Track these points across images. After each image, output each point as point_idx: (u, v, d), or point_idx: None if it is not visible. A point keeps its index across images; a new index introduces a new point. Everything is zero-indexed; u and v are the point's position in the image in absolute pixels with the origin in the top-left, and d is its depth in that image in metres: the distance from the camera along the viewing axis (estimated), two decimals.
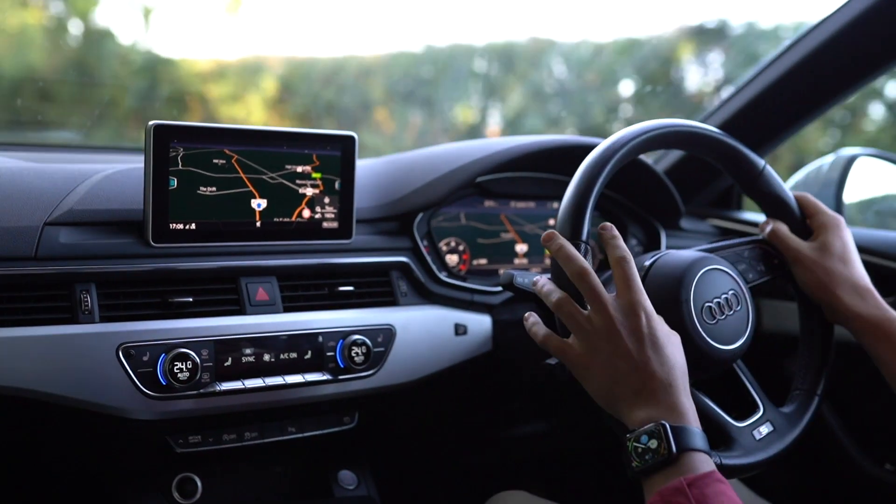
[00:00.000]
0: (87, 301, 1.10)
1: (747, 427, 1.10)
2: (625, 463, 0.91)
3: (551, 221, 1.60)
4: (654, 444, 0.88)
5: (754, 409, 1.14)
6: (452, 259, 1.51)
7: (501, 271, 1.21)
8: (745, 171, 1.24)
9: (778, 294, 1.69)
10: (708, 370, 1.11)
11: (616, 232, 1.01)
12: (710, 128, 1.20)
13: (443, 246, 1.50)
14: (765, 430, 1.12)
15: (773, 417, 1.14)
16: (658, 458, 0.87)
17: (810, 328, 1.24)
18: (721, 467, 1.02)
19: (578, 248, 1.02)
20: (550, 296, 1.00)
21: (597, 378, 0.95)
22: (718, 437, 1.07)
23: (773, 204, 1.26)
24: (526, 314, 1.04)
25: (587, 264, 0.97)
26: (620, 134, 1.12)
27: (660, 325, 0.96)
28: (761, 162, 1.24)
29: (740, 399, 1.17)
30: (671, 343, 0.96)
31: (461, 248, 1.51)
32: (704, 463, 0.87)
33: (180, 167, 1.15)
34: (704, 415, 1.08)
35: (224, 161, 1.18)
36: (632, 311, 0.95)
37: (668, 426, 0.88)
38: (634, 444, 0.89)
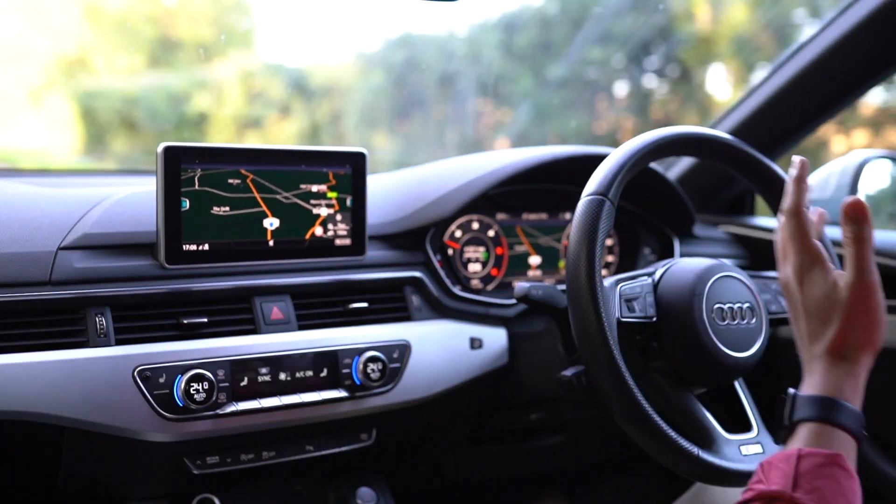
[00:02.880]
0: (102, 324, 1.11)
1: (736, 441, 1.09)
2: None
3: (566, 233, 1.60)
4: (786, 412, 0.86)
5: (748, 429, 1.14)
6: (475, 267, 1.51)
7: (515, 284, 1.20)
8: None
9: None
10: (709, 376, 1.11)
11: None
12: (759, 154, 1.20)
13: (469, 254, 1.50)
14: (753, 449, 1.10)
15: (765, 442, 1.12)
16: (782, 425, 0.86)
17: None
18: (697, 460, 1.01)
19: (603, 206, 1.04)
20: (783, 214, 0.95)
21: (797, 318, 0.92)
22: (703, 437, 1.07)
23: None
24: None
25: (798, 207, 0.92)
26: (673, 129, 1.15)
27: (825, 285, 0.89)
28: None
29: (737, 420, 1.16)
30: (832, 308, 0.88)
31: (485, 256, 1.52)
32: (832, 439, 0.82)
33: (196, 188, 1.15)
34: (694, 418, 1.08)
35: (239, 181, 1.19)
36: (800, 268, 0.90)
37: (794, 394, 0.86)
38: (779, 411, 0.88)
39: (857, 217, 0.87)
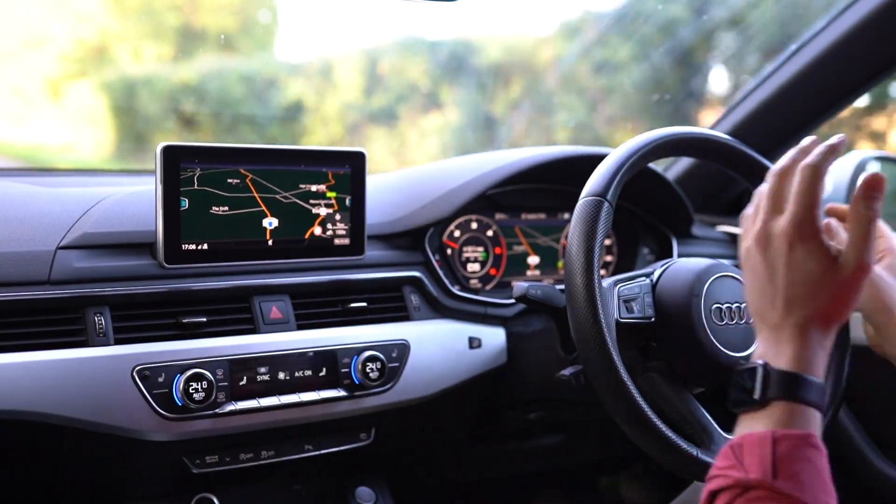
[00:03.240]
0: (101, 324, 1.11)
1: None
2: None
3: (565, 233, 1.60)
4: (749, 383, 0.81)
5: None
6: (474, 267, 1.51)
7: (514, 283, 1.20)
8: None
9: None
10: (708, 376, 1.11)
11: (813, 149, 0.87)
12: (756, 154, 1.21)
13: (468, 254, 1.50)
14: None
15: None
16: (747, 398, 0.80)
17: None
18: (696, 460, 1.01)
19: (601, 206, 1.04)
20: (763, 185, 0.88)
21: (747, 282, 0.88)
22: (702, 437, 1.07)
23: None
24: None
25: (789, 167, 0.86)
26: (670, 130, 1.15)
27: (808, 256, 0.82)
28: None
29: (735, 419, 1.16)
30: (814, 280, 0.82)
31: (484, 256, 1.52)
32: (804, 419, 0.78)
33: (195, 187, 1.15)
34: (692, 418, 1.08)
35: (238, 181, 1.19)
36: (779, 234, 0.84)
37: (768, 367, 0.80)
38: (738, 378, 0.82)
39: (874, 194, 0.82)
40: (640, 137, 1.13)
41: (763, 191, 0.88)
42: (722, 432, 1.09)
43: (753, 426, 0.79)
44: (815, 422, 0.79)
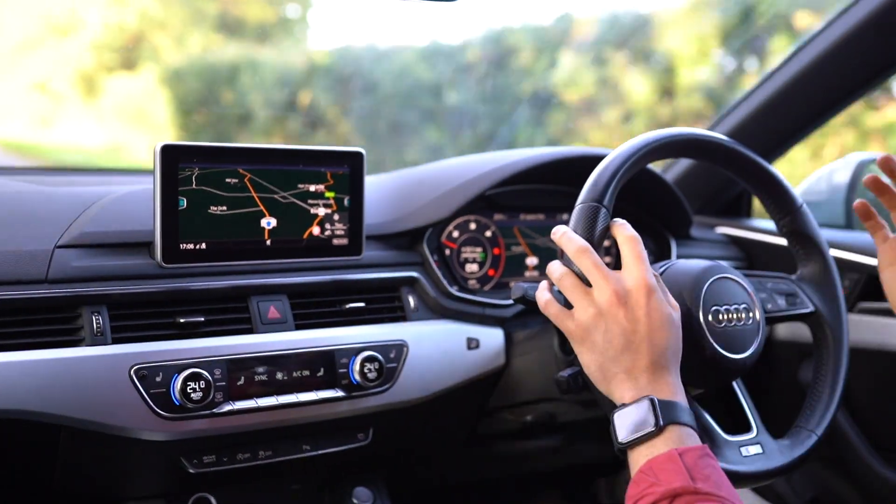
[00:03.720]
0: (98, 323, 1.11)
1: (736, 442, 1.10)
2: (613, 438, 0.93)
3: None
4: (644, 416, 0.90)
5: (748, 430, 1.14)
6: (472, 268, 1.51)
7: (512, 284, 1.20)
8: (782, 204, 1.24)
9: None
10: (708, 378, 1.10)
11: (624, 220, 1.03)
12: (752, 153, 1.20)
13: (466, 254, 1.50)
14: (753, 450, 1.10)
15: (765, 441, 1.12)
16: (643, 430, 0.90)
17: (824, 371, 1.22)
18: None
19: (598, 213, 1.03)
20: (556, 273, 1.01)
21: (591, 353, 0.96)
22: (701, 439, 1.07)
23: (804, 242, 1.25)
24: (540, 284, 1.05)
25: (586, 243, 0.99)
26: (665, 131, 1.14)
27: (661, 304, 0.95)
28: (799, 199, 1.23)
29: (736, 420, 1.16)
30: (669, 323, 0.96)
31: (482, 257, 1.52)
32: (691, 437, 0.90)
33: (193, 187, 1.15)
34: (695, 421, 1.09)
35: (237, 180, 1.19)
36: (635, 288, 0.95)
37: (655, 399, 0.90)
38: (622, 418, 0.92)
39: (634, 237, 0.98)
40: (639, 139, 1.12)
41: (566, 269, 1.00)
42: (722, 434, 1.09)
43: (653, 451, 0.88)
44: (697, 438, 0.91)
